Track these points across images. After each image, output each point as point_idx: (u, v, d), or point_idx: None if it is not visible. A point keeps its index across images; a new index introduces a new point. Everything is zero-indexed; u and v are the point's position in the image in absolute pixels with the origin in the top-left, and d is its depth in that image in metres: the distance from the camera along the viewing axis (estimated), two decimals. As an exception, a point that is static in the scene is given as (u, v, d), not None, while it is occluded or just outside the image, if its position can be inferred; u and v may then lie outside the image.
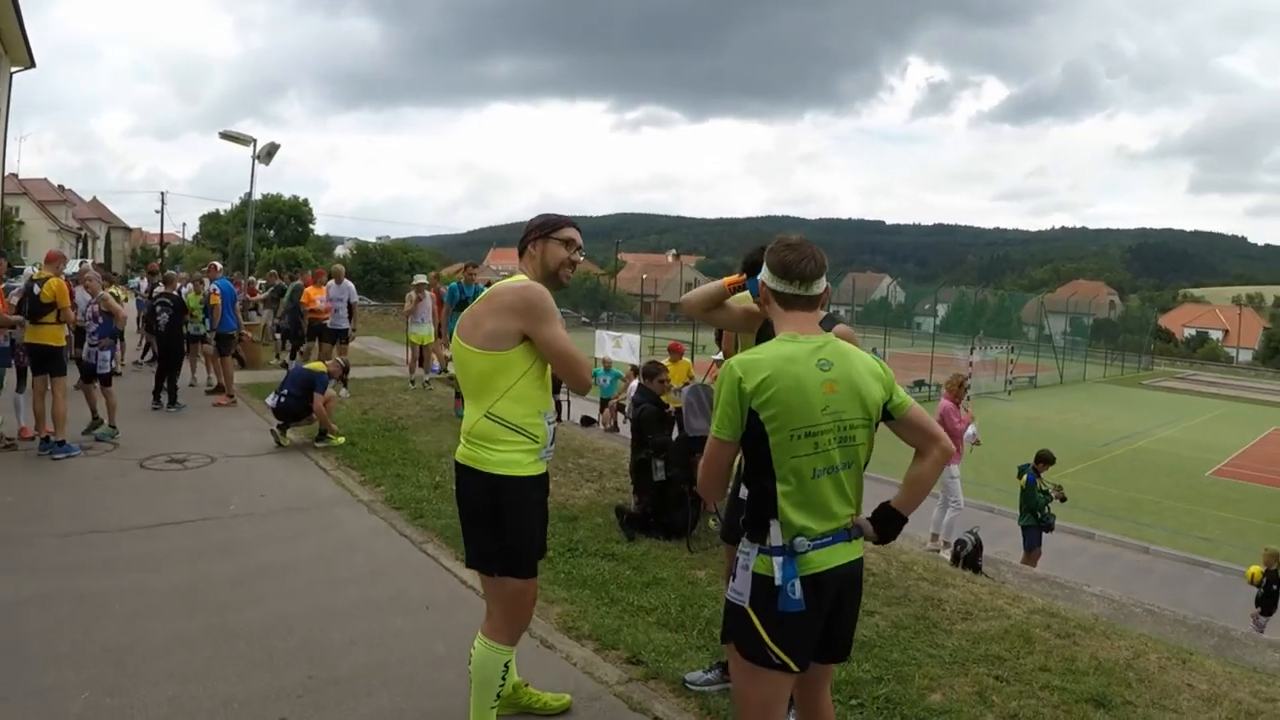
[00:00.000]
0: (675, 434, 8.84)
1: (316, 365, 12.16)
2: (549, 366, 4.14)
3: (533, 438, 4.11)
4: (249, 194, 25.28)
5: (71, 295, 11.65)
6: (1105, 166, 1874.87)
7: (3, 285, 11.56)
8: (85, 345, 11.95)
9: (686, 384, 16.06)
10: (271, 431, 11.58)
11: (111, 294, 14.40)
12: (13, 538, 7.60)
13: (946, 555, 11.80)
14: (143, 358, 19.09)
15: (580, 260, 4.45)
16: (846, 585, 3.35)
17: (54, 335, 10.79)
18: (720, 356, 15.61)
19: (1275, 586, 13.87)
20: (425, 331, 17.02)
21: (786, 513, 3.21)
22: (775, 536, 3.22)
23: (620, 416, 22.31)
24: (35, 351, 10.85)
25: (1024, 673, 5.66)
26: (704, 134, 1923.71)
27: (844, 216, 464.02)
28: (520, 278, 4.21)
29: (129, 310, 17.67)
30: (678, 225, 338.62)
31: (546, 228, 4.35)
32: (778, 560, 3.19)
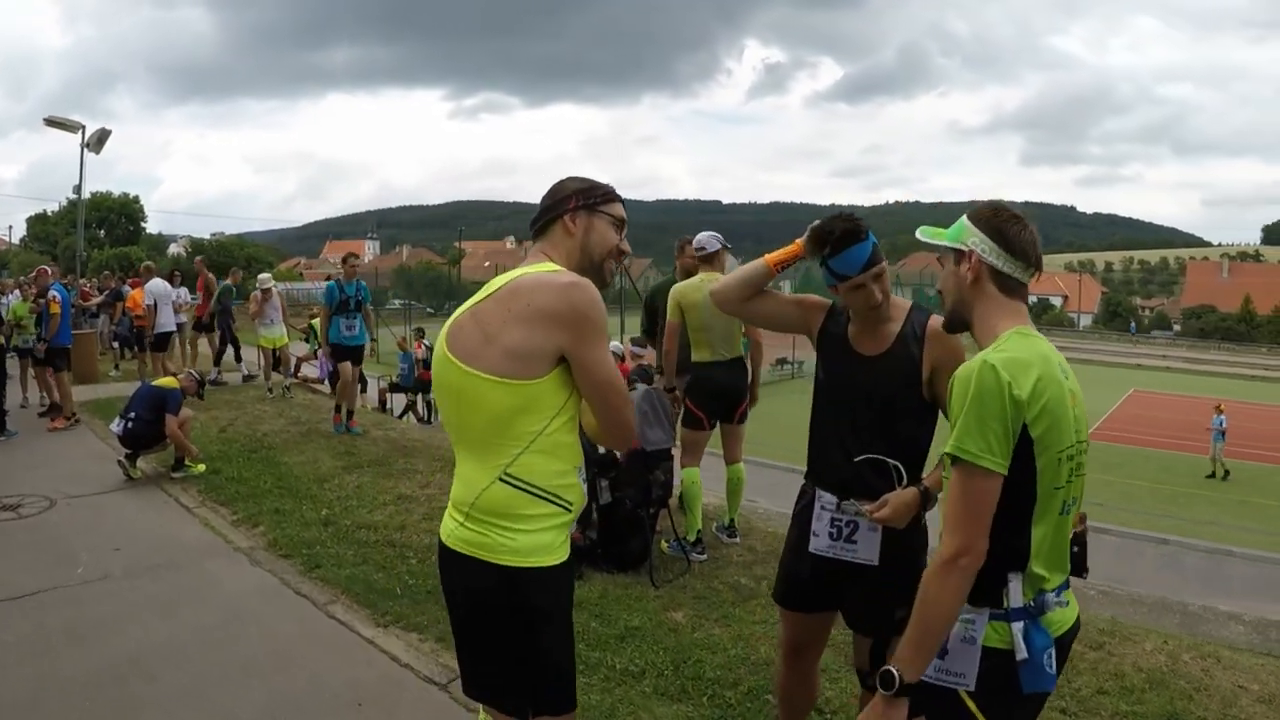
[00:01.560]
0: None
1: (166, 381, 10.20)
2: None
3: (566, 505, 2.72)
4: (78, 187, 22.58)
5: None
6: (939, 142, 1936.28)
7: None
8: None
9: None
10: (119, 462, 9.65)
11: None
12: None
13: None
14: None
15: (630, 252, 3.01)
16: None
17: None
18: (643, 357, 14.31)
19: (1077, 549, 13.43)
20: (278, 333, 15.16)
21: (1033, 562, 2.40)
22: (1015, 596, 2.39)
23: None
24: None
25: (1085, 700, 4.80)
26: (542, 120, 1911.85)
27: (681, 198, 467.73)
28: (550, 267, 2.75)
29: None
30: (516, 211, 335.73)
31: (592, 196, 2.88)
32: (1019, 626, 2.36)
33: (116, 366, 18.82)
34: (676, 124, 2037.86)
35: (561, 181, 2.91)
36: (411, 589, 6.37)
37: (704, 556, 7.06)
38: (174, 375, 10.66)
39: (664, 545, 7.09)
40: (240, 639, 5.64)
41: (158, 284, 15.76)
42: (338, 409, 11.90)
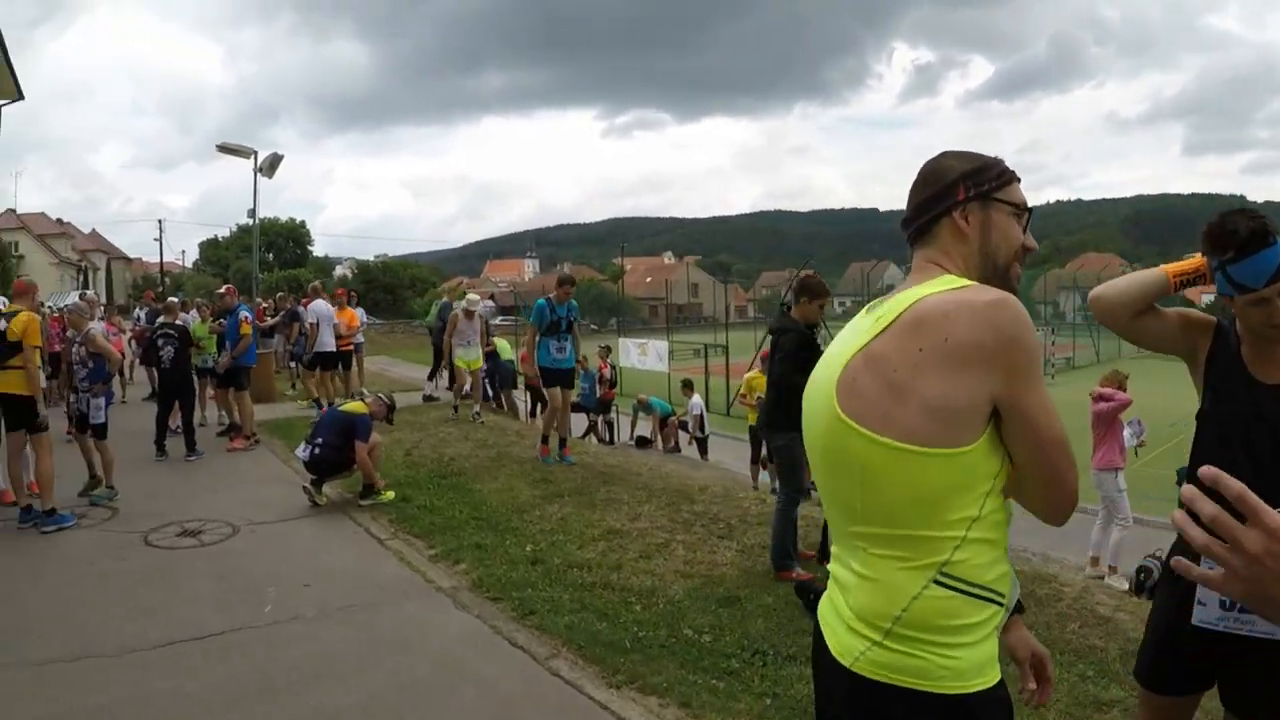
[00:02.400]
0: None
1: (354, 406, 9.87)
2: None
3: (1001, 600, 1.88)
4: (253, 211, 22.90)
5: (62, 333, 9.55)
6: (1097, 135, 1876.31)
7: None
8: (76, 392, 9.71)
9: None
10: (304, 488, 9.29)
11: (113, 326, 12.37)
12: None
13: (1114, 582, 9.53)
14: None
15: (1035, 248, 2.10)
16: None
17: (24, 382, 8.54)
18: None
19: None
20: (474, 355, 14.75)
21: None
22: None
23: (683, 435, 20.12)
24: (3, 402, 8.64)
25: None
26: (694, 134, 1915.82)
27: (838, 207, 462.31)
28: (957, 282, 1.89)
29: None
30: (672, 227, 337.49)
31: (984, 179, 2.02)
32: None
33: (293, 385, 18.89)
34: (828, 132, 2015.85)
35: (939, 161, 2.07)
36: (642, 642, 5.61)
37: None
38: (363, 399, 10.20)
39: None
40: (454, 699, 4.99)
41: (321, 305, 15.64)
42: (545, 439, 11.21)
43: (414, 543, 7.95)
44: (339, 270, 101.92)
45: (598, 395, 20.93)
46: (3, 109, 33.84)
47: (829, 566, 2.04)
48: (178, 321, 12.61)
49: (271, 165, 21.65)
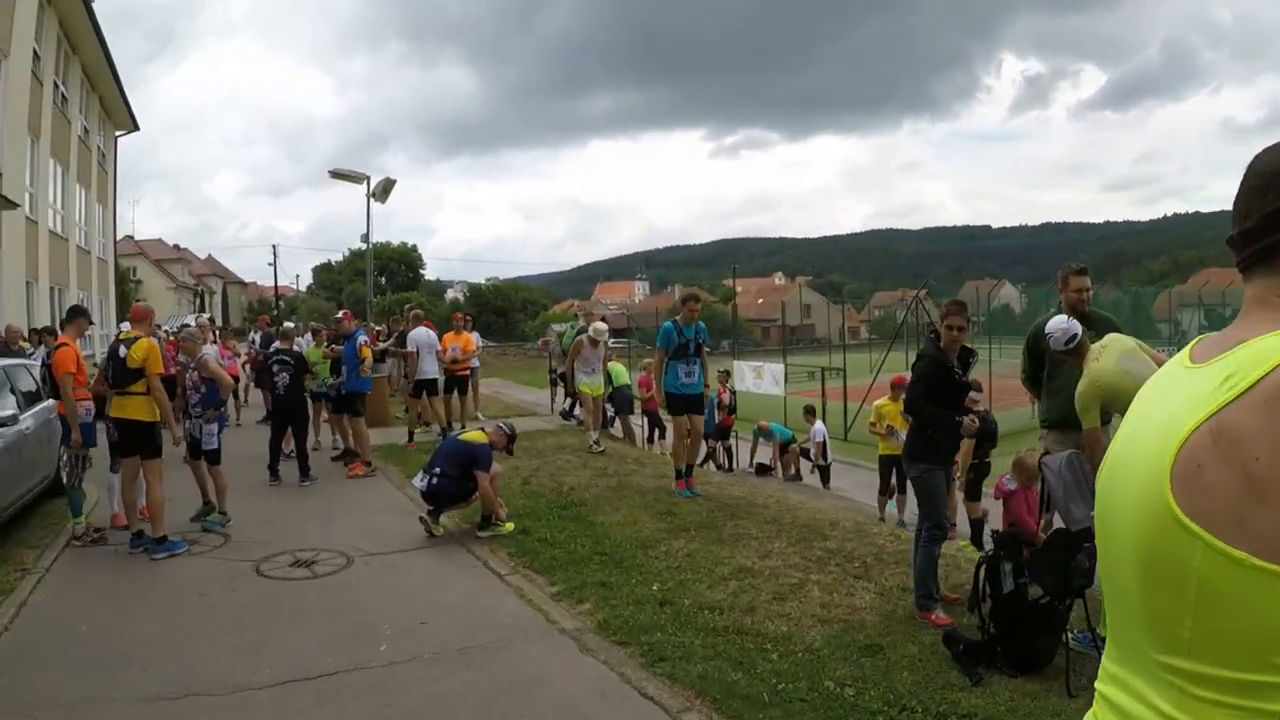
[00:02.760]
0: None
1: (474, 435, 9.59)
2: None
3: None
4: (366, 235, 23.15)
5: (174, 355, 9.51)
6: (1214, 144, 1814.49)
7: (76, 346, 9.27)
8: (189, 418, 9.63)
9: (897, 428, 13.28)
10: (421, 519, 9.07)
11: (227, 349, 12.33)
12: (77, 701, 5.27)
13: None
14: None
15: None
16: None
17: (143, 408, 8.52)
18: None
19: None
20: (598, 382, 14.50)
21: None
22: None
23: (805, 463, 19.55)
24: (122, 427, 8.60)
25: None
26: (803, 153, 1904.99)
27: (949, 224, 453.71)
28: None
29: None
30: (781, 247, 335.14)
31: None
32: None
33: (406, 409, 18.80)
34: (938, 147, 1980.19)
35: (1272, 156, 1.47)
36: (782, 695, 5.18)
37: (1115, 654, 5.59)
38: (483, 429, 9.92)
39: (1070, 639, 5.68)
40: (585, 759, 4.60)
41: (421, 333, 15.46)
42: (680, 472, 10.79)
43: (535, 578, 7.62)
44: (450, 293, 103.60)
45: (717, 421, 20.47)
46: (119, 140, 35.50)
47: (1098, 686, 1.53)
48: (293, 348, 12.59)
49: (384, 190, 21.83)
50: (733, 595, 6.97)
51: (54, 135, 24.84)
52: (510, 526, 8.94)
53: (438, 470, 8.93)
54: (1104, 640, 4.49)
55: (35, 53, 22.67)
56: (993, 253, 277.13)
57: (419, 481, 9.14)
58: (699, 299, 11.02)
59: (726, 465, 20.12)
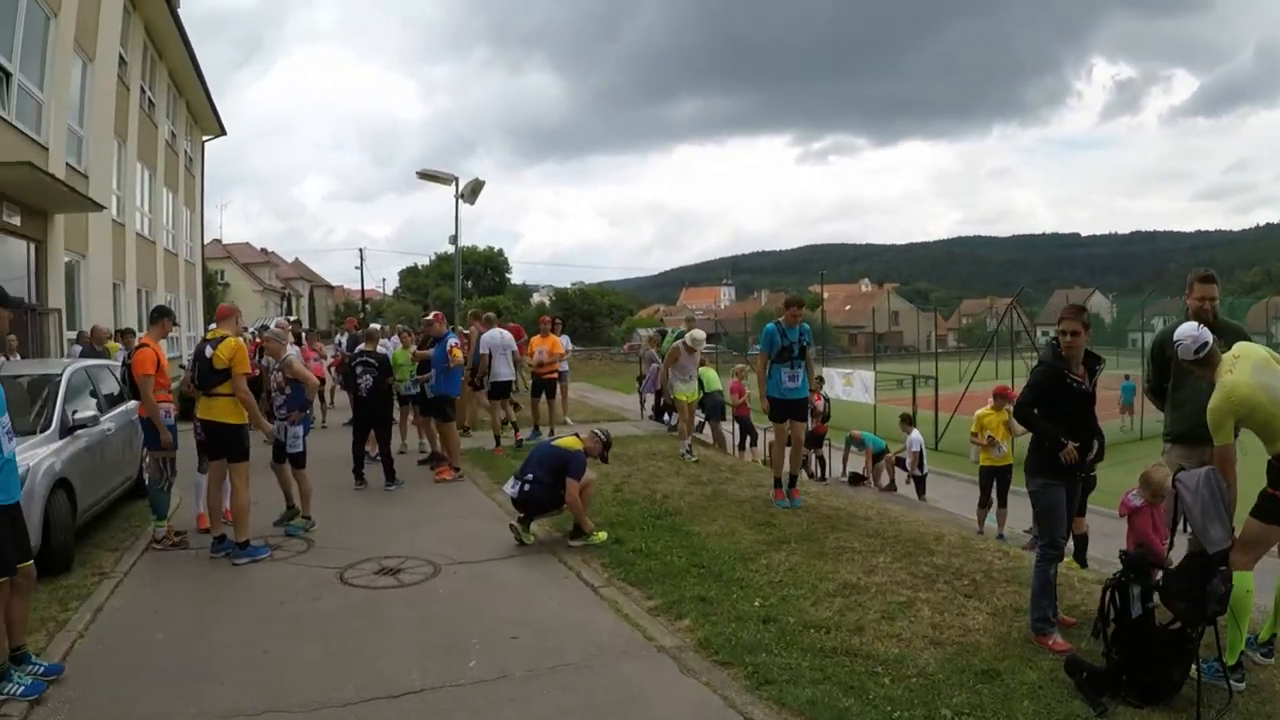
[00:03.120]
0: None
1: (569, 441, 9.29)
2: None
3: None
4: (454, 237, 22.95)
5: (255, 356, 9.39)
6: None
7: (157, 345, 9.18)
8: (273, 419, 9.49)
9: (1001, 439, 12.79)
10: (511, 526, 8.82)
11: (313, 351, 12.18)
12: (150, 714, 5.14)
13: None
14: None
15: None
16: None
17: (229, 409, 8.40)
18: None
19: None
20: (694, 389, 14.12)
21: None
22: None
23: (900, 472, 19.04)
24: (208, 429, 8.51)
25: None
26: (891, 158, 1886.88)
27: (1038, 231, 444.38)
28: None
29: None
30: (868, 253, 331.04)
31: None
32: None
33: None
34: (1028, 154, 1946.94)
35: None
36: (897, 724, 4.81)
37: (1243, 685, 5.46)
38: (578, 435, 9.56)
39: (1200, 669, 5.23)
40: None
41: (494, 334, 15.16)
42: (779, 482, 10.32)
43: (630, 591, 7.30)
44: (536, 297, 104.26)
45: (810, 428, 20.02)
46: (206, 144, 36.10)
47: None
48: (378, 349, 12.44)
49: (473, 191, 21.71)
50: (839, 613, 6.60)
51: (141, 139, 25.28)
52: (603, 536, 8.64)
53: (530, 476, 8.66)
54: (1233, 671, 4.10)
55: (121, 58, 23.06)
56: (1081, 261, 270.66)
57: (510, 488, 8.89)
58: (802, 304, 10.53)
59: (819, 474, 19.64)
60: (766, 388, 10.06)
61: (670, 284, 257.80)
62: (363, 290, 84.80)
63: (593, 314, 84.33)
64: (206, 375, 8.34)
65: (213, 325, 9.28)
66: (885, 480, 19.04)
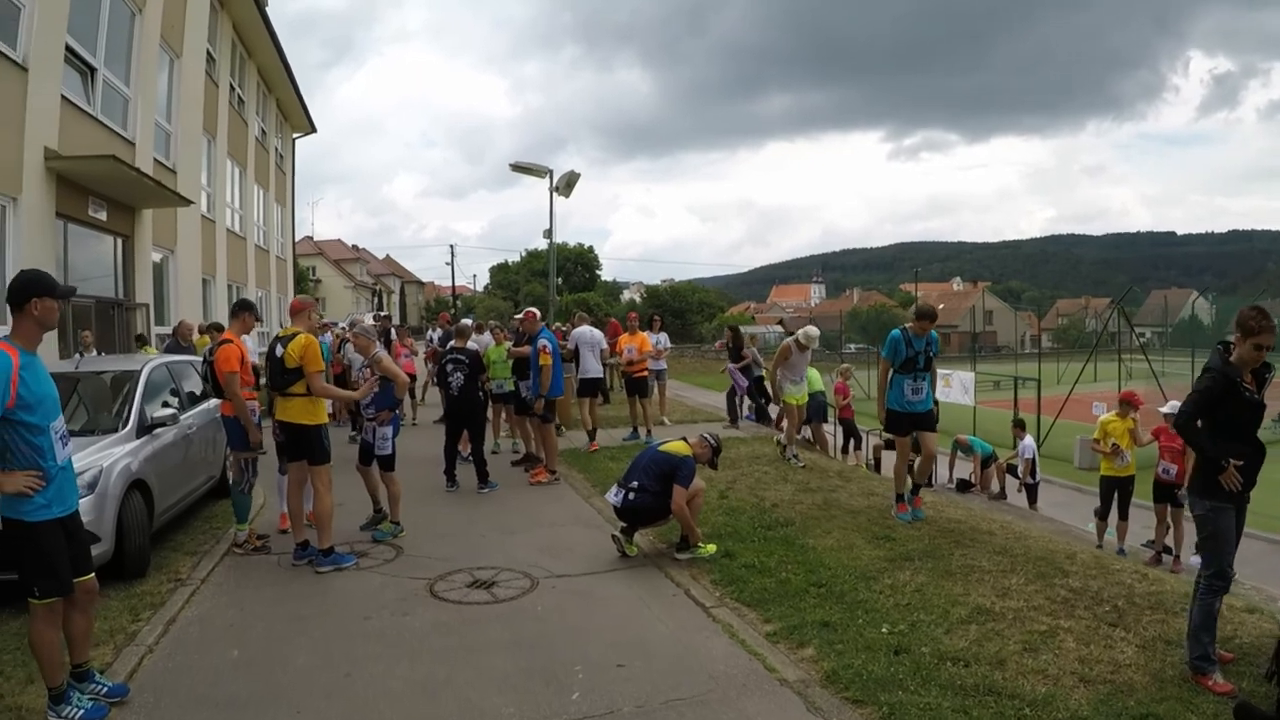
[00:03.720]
0: None
1: (676, 446, 8.52)
2: None
3: None
4: (549, 230, 22.41)
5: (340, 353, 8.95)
6: None
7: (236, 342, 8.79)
8: (356, 418, 9.06)
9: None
10: (614, 536, 8.25)
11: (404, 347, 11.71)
12: None
13: None
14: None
15: None
16: None
17: (305, 410, 7.96)
18: (1169, 409, 11.32)
19: None
20: (803, 391, 13.19)
21: None
22: None
23: (1012, 480, 18.10)
24: (286, 431, 8.08)
25: None
26: (983, 155, 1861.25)
27: (1132, 230, 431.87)
28: None
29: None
30: (959, 251, 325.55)
31: None
32: None
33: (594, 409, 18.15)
34: (1123, 150, 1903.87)
35: None
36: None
37: None
38: (685, 439, 8.87)
39: None
40: None
41: (584, 331, 14.62)
42: (901, 498, 9.57)
43: (745, 613, 6.66)
44: (626, 294, 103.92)
45: None
46: (296, 141, 36.23)
47: None
48: (469, 345, 11.91)
49: (568, 184, 21.25)
50: (976, 643, 5.91)
51: (231, 136, 25.36)
52: (712, 549, 8.03)
53: (635, 484, 8.06)
54: None
55: (210, 55, 23.12)
56: (1178, 260, 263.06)
57: (613, 496, 8.29)
58: (934, 316, 9.53)
59: (926, 482, 18.77)
60: (887, 398, 9.34)
61: (759, 281, 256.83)
62: (453, 286, 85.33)
63: (683, 311, 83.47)
64: (279, 375, 7.89)
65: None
66: (995, 488, 18.04)
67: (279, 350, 7.87)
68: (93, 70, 15.24)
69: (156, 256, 18.81)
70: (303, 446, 7.95)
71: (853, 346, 64.51)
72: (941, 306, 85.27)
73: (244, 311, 8.76)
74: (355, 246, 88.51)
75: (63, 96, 13.92)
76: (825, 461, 13.56)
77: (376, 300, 76.99)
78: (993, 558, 7.87)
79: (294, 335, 7.90)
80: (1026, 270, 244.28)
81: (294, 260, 38.93)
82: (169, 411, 8.69)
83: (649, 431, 14.48)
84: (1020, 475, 17.77)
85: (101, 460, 7.50)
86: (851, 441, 18.23)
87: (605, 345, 15.03)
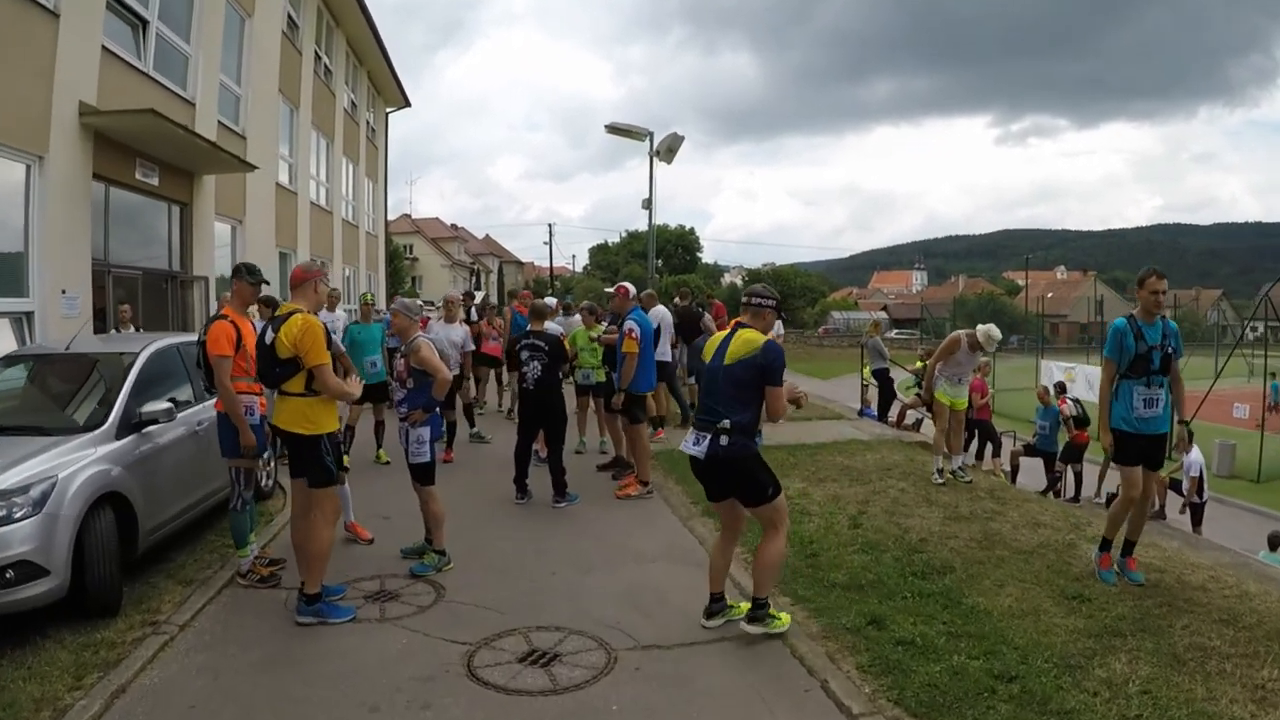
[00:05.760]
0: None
1: (750, 335, 5.66)
2: None
3: None
4: (648, 200, 20.24)
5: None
6: None
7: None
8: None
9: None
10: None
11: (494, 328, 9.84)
12: None
13: None
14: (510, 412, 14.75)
15: None
16: None
17: (300, 414, 5.89)
18: None
19: None
20: (962, 395, 10.74)
21: None
22: None
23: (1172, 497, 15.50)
24: (283, 440, 6.11)
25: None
26: (1091, 141, 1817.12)
27: (1240, 220, 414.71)
28: None
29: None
30: (1063, 239, 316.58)
31: None
32: None
33: (692, 406, 15.97)
34: (1234, 137, 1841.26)
35: None
36: None
37: None
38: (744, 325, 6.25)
39: None
40: None
41: (658, 311, 12.26)
42: (1106, 544, 6.90)
43: (915, 731, 4.53)
44: (727, 277, 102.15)
45: (1066, 439, 16.46)
46: (390, 115, 34.73)
47: None
48: (546, 329, 9.66)
49: (670, 149, 19.33)
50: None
51: (316, 106, 23.85)
52: (786, 620, 5.66)
53: (726, 421, 5.53)
54: None
55: (292, 20, 21.69)
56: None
57: (691, 444, 5.72)
58: (1163, 276, 6.77)
59: (1074, 495, 16.17)
60: (1110, 413, 6.79)
61: (861, 267, 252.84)
62: (551, 265, 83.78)
63: (786, 296, 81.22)
64: (268, 367, 5.88)
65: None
66: (1154, 506, 15.38)
67: (269, 335, 5.84)
68: (144, 23, 13.58)
69: (223, 227, 17.18)
70: (298, 461, 5.97)
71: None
72: (1050, 295, 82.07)
73: (241, 279, 6.79)
74: (454, 225, 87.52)
75: (105, 48, 12.21)
76: (973, 475, 11.03)
77: (474, 279, 75.74)
78: (1221, 631, 5.64)
79: (290, 315, 5.82)
80: (1131, 260, 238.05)
81: (386, 236, 37.41)
82: (162, 406, 6.78)
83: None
84: (1185, 493, 15.13)
85: (57, 470, 5.71)
86: (989, 447, 15.79)
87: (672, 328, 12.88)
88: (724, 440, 5.44)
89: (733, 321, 5.87)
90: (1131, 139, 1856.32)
